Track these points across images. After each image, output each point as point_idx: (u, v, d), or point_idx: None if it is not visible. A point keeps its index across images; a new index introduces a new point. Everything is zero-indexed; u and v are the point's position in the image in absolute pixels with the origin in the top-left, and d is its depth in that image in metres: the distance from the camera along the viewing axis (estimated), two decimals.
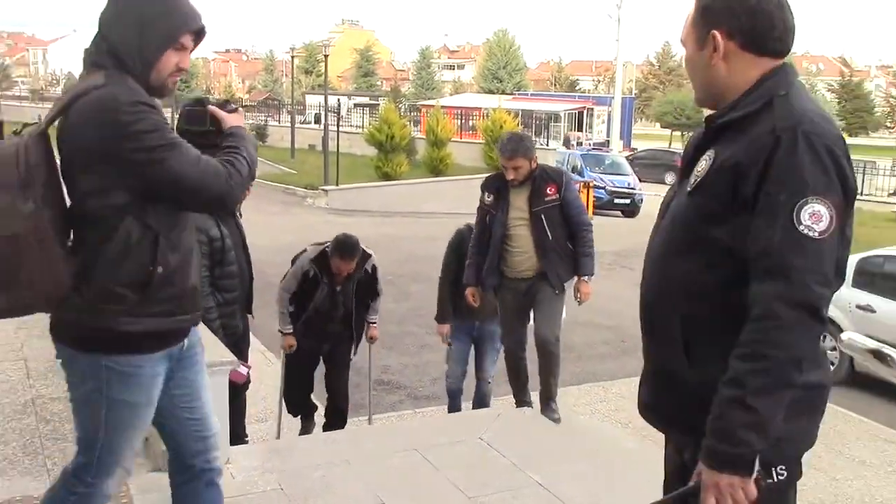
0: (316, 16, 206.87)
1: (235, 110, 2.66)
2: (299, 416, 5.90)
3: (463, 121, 36.41)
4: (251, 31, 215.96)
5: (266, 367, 7.49)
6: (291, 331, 5.63)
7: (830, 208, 1.80)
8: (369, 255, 5.74)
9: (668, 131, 54.35)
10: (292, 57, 45.68)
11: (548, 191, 5.26)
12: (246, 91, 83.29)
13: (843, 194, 1.86)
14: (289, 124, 39.25)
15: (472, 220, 5.77)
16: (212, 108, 2.59)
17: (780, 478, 1.90)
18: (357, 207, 22.41)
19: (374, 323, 6.01)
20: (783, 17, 1.97)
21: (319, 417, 5.95)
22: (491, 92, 51.52)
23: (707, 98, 2.09)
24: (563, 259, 5.29)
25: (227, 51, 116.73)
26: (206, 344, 4.02)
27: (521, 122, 34.10)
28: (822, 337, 1.89)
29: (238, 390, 4.86)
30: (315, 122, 42.61)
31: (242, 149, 2.50)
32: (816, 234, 1.79)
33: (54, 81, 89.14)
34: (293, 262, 5.69)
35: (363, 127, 34.59)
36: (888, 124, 62.19)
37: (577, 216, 5.34)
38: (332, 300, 5.62)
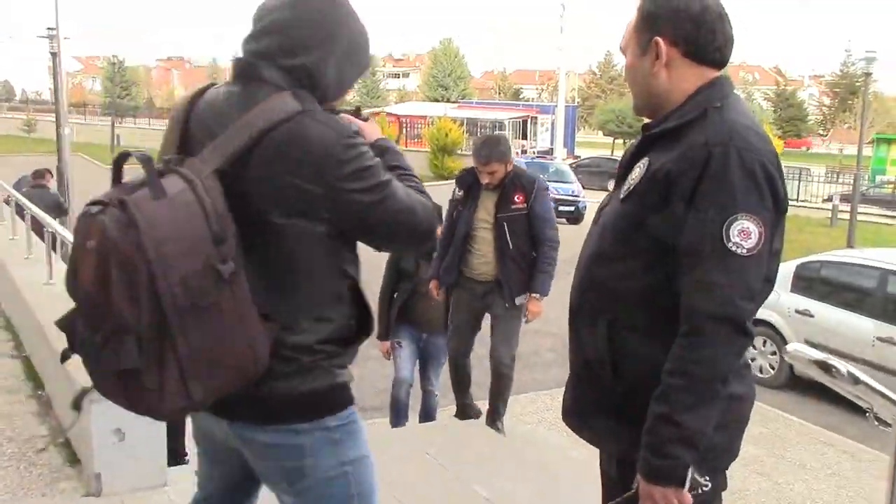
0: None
1: (367, 119, 2.19)
2: None
3: (408, 129, 36.39)
4: (194, 38, 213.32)
5: None
6: None
7: (760, 225, 1.81)
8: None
9: (610, 139, 55.02)
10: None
11: (515, 198, 5.09)
12: None
13: (775, 209, 1.87)
14: None
15: None
16: (347, 116, 2.05)
17: (705, 489, 1.91)
18: None
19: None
20: (724, 29, 1.97)
21: None
22: (436, 100, 51.70)
23: (646, 106, 2.08)
24: (522, 271, 5.12)
25: (169, 58, 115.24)
26: None
27: (466, 130, 34.18)
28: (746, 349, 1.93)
29: None
30: None
31: (409, 168, 2.12)
32: (745, 251, 1.80)
33: None
34: None
35: None
36: (820, 132, 63.83)
37: (541, 230, 5.15)
38: None
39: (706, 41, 1.95)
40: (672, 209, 1.86)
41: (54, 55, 15.44)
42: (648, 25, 1.98)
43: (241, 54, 1.91)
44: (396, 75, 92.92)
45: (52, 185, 12.08)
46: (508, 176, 5.11)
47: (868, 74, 20.98)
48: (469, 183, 5.21)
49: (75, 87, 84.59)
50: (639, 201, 1.95)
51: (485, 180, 5.07)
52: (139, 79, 76.68)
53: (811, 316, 8.93)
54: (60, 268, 6.11)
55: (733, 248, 1.79)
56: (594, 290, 2.06)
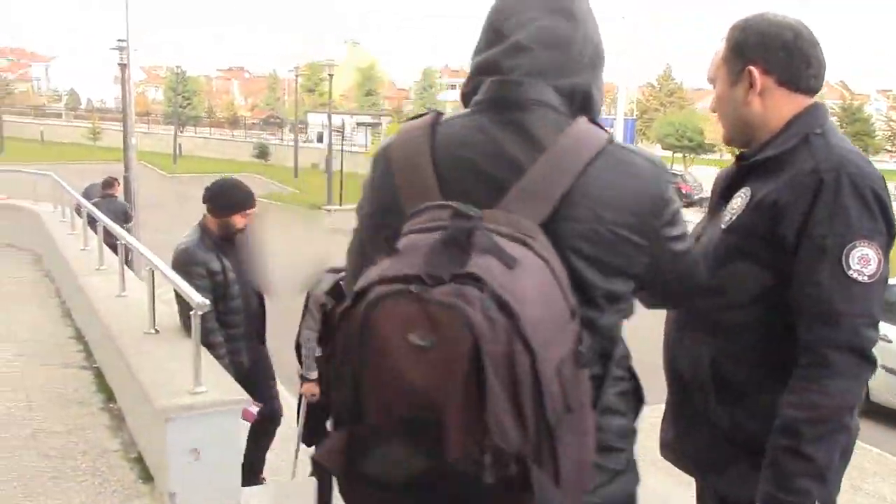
0: (318, 36, 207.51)
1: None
2: (312, 447, 5.32)
3: None
4: (253, 49, 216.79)
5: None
6: (316, 377, 4.90)
7: (878, 251, 1.78)
8: None
9: (669, 153, 54.33)
10: (297, 76, 45.82)
11: None
12: (248, 109, 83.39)
13: (888, 233, 1.83)
14: (291, 143, 39.26)
15: None
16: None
17: None
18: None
19: None
20: (817, 55, 1.94)
21: None
22: None
23: (739, 136, 2.03)
24: None
25: (230, 69, 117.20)
26: (220, 381, 3.91)
27: None
28: None
29: (267, 427, 4.74)
30: (318, 141, 42.64)
31: None
32: (866, 277, 1.77)
33: (56, 98, 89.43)
34: (307, 296, 5.23)
35: (366, 146, 34.58)
36: (888, 147, 62.27)
37: None
38: None
39: (800, 68, 1.92)
40: (783, 239, 1.82)
41: (123, 66, 15.73)
42: (740, 55, 1.95)
43: (480, 69, 1.53)
44: (453, 86, 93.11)
45: (119, 193, 12.28)
46: None
47: None
48: None
49: (138, 96, 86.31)
50: (744, 232, 1.90)
51: None
52: (200, 88, 78.04)
53: (889, 342, 8.61)
54: (130, 279, 6.16)
55: (855, 276, 1.76)
56: (697, 323, 1.99)
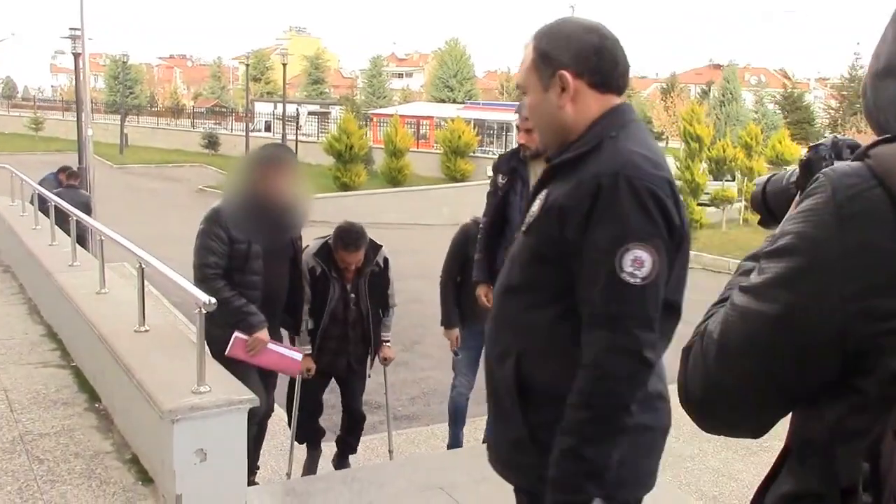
0: (262, 22, 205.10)
1: None
2: (305, 444, 5.33)
3: (415, 130, 36.33)
4: (195, 36, 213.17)
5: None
6: (310, 351, 4.88)
7: (653, 253, 1.81)
8: (380, 247, 5.10)
9: None
10: (247, 65, 45.19)
11: None
12: (192, 98, 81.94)
13: (670, 236, 1.86)
14: (239, 132, 38.76)
15: (467, 220, 5.37)
16: None
17: None
18: (316, 218, 22.03)
19: (388, 342, 5.32)
20: (623, 56, 1.98)
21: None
22: (442, 101, 51.52)
23: (557, 141, 2.04)
24: None
25: (171, 56, 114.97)
26: (223, 380, 3.86)
27: (475, 132, 34.09)
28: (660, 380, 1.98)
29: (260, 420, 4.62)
30: (266, 130, 42.11)
31: None
32: (639, 280, 1.80)
33: None
34: None
35: (316, 135, 34.29)
36: (828, 135, 63.69)
37: None
38: (345, 301, 4.94)
39: (609, 69, 1.96)
40: (569, 242, 1.86)
41: (77, 56, 15.33)
42: (549, 61, 1.96)
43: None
44: (400, 75, 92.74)
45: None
46: None
47: None
48: (512, 166, 4.61)
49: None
50: (538, 234, 1.95)
51: (521, 140, 4.49)
52: (142, 77, 76.41)
53: None
54: (109, 276, 6.03)
55: (627, 279, 1.79)
56: (505, 323, 2.05)
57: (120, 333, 4.64)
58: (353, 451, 5.44)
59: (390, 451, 5.72)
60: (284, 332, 4.81)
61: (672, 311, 1.94)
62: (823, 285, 1.06)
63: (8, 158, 21.85)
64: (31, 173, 12.07)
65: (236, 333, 4.16)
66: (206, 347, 3.93)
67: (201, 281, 4.12)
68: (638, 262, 1.79)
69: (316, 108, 49.40)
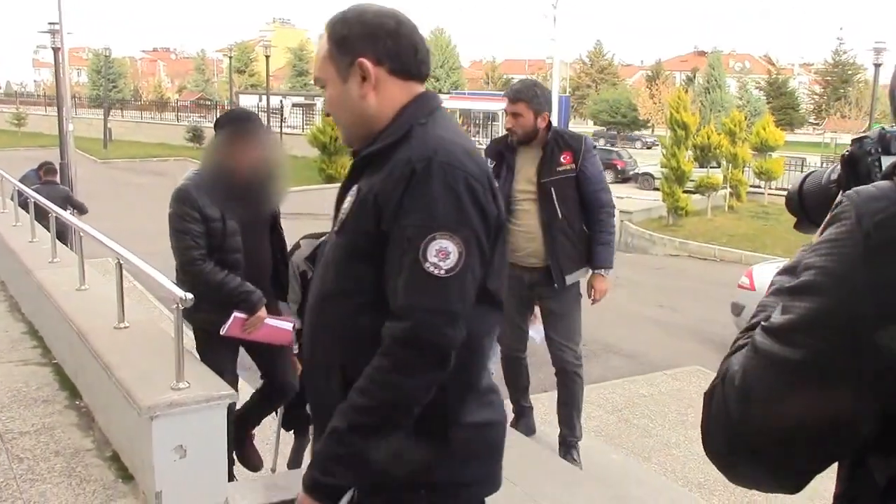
0: (246, 14, 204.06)
1: None
2: (292, 431, 5.09)
3: None
4: (179, 29, 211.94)
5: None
6: (297, 350, 4.65)
7: (460, 244, 1.72)
8: None
9: (603, 129, 54.99)
10: (230, 58, 45.00)
11: (561, 159, 4.43)
12: (176, 91, 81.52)
13: (484, 227, 1.78)
14: None
15: None
16: None
17: None
18: (302, 210, 21.99)
19: None
20: (421, 40, 1.91)
21: None
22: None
23: (361, 133, 1.93)
24: (575, 246, 4.50)
25: (155, 49, 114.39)
26: (202, 376, 3.83)
27: (461, 120, 34.07)
28: (491, 374, 1.89)
29: (273, 397, 4.52)
30: None
31: None
32: (443, 271, 1.71)
33: None
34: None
35: (301, 127, 34.19)
36: (812, 121, 64.03)
37: (594, 193, 4.51)
38: None
39: (409, 55, 1.87)
40: (385, 235, 1.77)
41: (56, 50, 15.20)
42: (346, 49, 1.87)
43: None
44: None
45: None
46: (549, 135, 4.48)
47: (879, 66, 20.96)
48: (499, 151, 4.58)
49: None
50: (353, 230, 1.84)
51: (508, 124, 4.47)
52: (125, 70, 75.98)
53: None
54: (90, 272, 5.97)
55: (431, 269, 1.71)
56: (324, 333, 1.93)
57: (99, 330, 4.59)
58: None
59: None
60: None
61: (492, 304, 1.87)
62: (851, 328, 0.95)
63: None
64: (13, 170, 11.99)
65: (235, 313, 3.99)
66: (191, 336, 3.88)
67: (188, 265, 3.91)
68: (443, 253, 1.71)
69: (301, 99, 49.27)
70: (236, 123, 3.97)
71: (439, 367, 1.73)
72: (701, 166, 25.64)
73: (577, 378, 4.73)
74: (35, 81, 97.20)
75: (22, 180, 11.48)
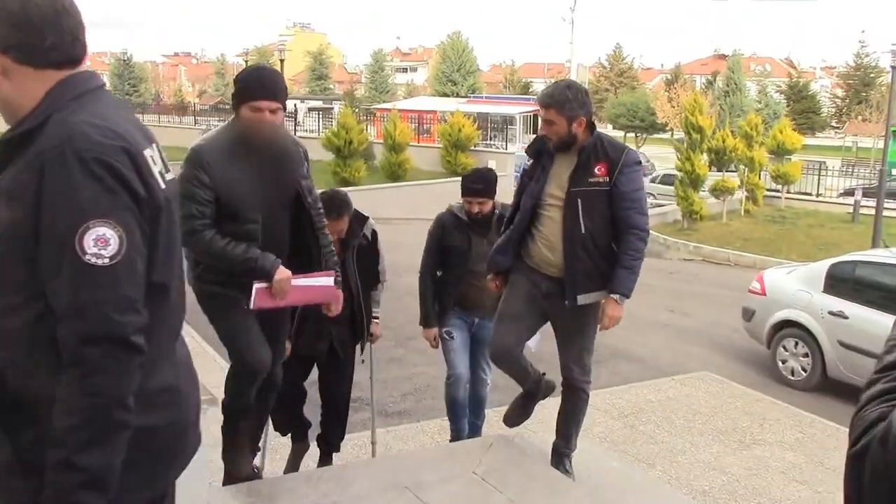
0: (266, 18, 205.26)
1: None
2: (289, 436, 4.98)
3: (418, 125, 36.26)
4: (200, 34, 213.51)
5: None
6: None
7: (117, 228, 1.67)
8: (366, 218, 4.72)
9: (622, 133, 54.75)
10: (246, 61, 45.16)
11: (595, 169, 4.11)
12: (196, 95, 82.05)
13: (137, 205, 1.73)
14: None
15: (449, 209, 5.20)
16: None
17: None
18: None
19: (377, 317, 4.91)
20: (58, 24, 1.76)
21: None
22: (445, 95, 51.50)
23: (11, 123, 1.83)
24: (596, 265, 4.15)
25: (176, 54, 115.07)
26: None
27: (478, 125, 34.01)
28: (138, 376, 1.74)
29: (264, 394, 4.14)
30: None
31: None
32: (107, 260, 1.66)
33: None
34: None
35: (318, 131, 34.30)
36: (834, 124, 63.41)
37: (626, 212, 4.12)
38: None
39: (34, 42, 1.75)
40: (27, 229, 1.68)
41: None
42: None
43: None
44: (404, 69, 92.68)
45: None
46: (586, 141, 4.16)
47: None
48: (538, 150, 4.32)
49: None
50: None
51: (542, 131, 4.21)
52: (146, 75, 76.53)
53: (845, 318, 8.74)
54: None
55: (93, 260, 1.64)
56: None
57: None
58: (336, 449, 5.06)
59: (373, 444, 5.46)
60: None
61: (161, 293, 1.81)
62: None
63: None
64: None
65: (255, 284, 3.63)
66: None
67: (189, 234, 3.47)
68: (102, 241, 1.65)
69: (318, 103, 49.41)
70: (253, 78, 3.70)
71: (130, 354, 1.68)
72: (717, 170, 25.41)
73: (583, 394, 4.49)
74: None
75: None
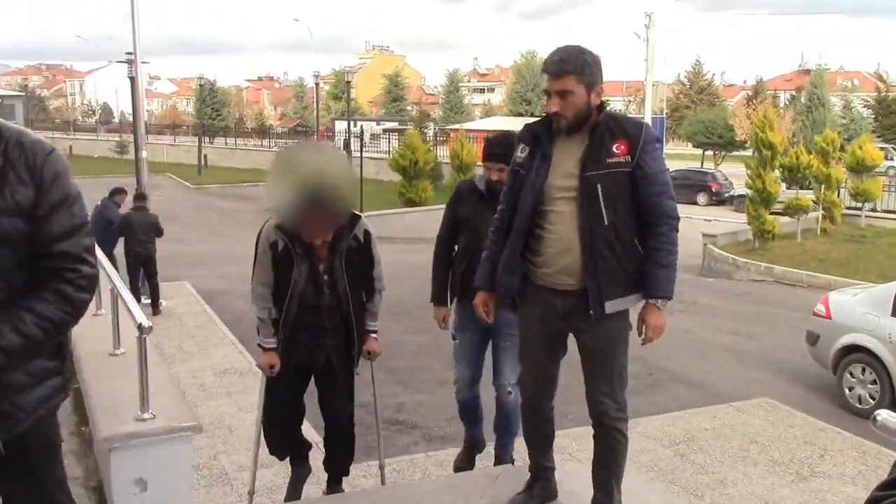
0: (348, 43, 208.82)
1: None
2: (288, 460, 4.67)
3: None
4: (284, 58, 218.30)
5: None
6: (274, 345, 4.19)
7: None
8: (359, 217, 4.29)
9: (699, 150, 53.60)
10: (316, 84, 45.99)
11: (614, 148, 3.33)
12: (277, 118, 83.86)
13: None
14: None
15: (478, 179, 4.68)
16: None
17: None
18: (380, 234, 22.10)
19: (374, 332, 4.49)
20: None
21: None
22: (520, 115, 51.25)
23: None
24: (622, 264, 3.38)
25: (260, 78, 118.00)
26: (170, 407, 3.70)
27: None
28: None
29: None
30: (344, 148, 42.87)
31: None
32: None
33: (90, 112, 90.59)
34: (256, 242, 4.28)
35: (389, 152, 34.66)
36: None
37: (658, 198, 3.38)
38: (315, 284, 4.16)
39: None
40: None
41: (132, 80, 15.84)
42: None
43: None
44: (482, 90, 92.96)
45: (126, 203, 12.59)
46: (599, 117, 3.39)
47: None
48: (535, 135, 3.48)
49: (169, 108, 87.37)
50: None
51: (552, 108, 3.34)
52: (229, 99, 78.56)
53: None
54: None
55: None
56: None
57: (94, 356, 4.56)
58: (345, 472, 4.68)
59: (381, 469, 4.98)
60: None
61: None
62: None
63: (91, 181, 22.64)
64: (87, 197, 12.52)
65: None
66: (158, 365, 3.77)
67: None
68: None
69: (394, 124, 49.92)
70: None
71: None
72: (788, 187, 24.51)
73: (620, 436, 3.57)
74: (147, 111, 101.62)
75: (102, 209, 12.07)
